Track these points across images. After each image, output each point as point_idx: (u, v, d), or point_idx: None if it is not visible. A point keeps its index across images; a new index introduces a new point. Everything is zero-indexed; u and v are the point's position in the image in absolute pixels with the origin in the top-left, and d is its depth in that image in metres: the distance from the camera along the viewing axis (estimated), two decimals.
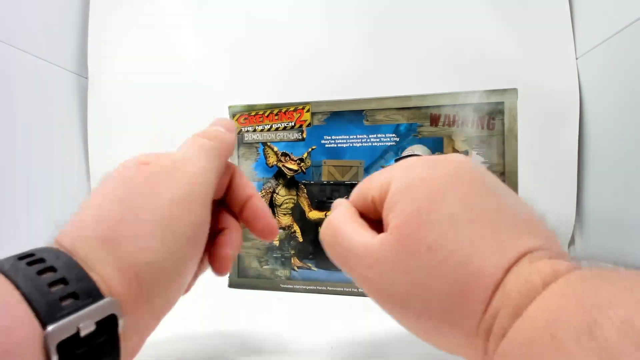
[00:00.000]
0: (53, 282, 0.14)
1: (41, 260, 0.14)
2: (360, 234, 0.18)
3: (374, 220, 0.20)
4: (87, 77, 0.58)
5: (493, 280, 0.15)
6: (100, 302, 0.14)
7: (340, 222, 0.19)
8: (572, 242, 0.48)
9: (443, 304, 0.15)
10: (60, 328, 0.13)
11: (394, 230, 0.17)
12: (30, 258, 0.14)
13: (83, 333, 0.14)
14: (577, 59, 0.47)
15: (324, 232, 0.20)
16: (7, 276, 0.13)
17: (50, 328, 0.13)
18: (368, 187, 0.20)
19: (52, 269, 0.14)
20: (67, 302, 0.14)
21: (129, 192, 0.18)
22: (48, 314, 0.13)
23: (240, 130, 0.41)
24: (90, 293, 0.14)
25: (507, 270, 0.15)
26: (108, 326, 0.14)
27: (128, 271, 0.16)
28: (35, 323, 0.13)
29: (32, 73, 0.49)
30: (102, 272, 0.15)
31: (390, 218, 0.17)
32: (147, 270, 0.16)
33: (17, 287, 0.13)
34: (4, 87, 0.45)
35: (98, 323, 0.14)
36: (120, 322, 0.15)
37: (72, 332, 0.13)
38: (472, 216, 0.16)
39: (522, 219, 0.16)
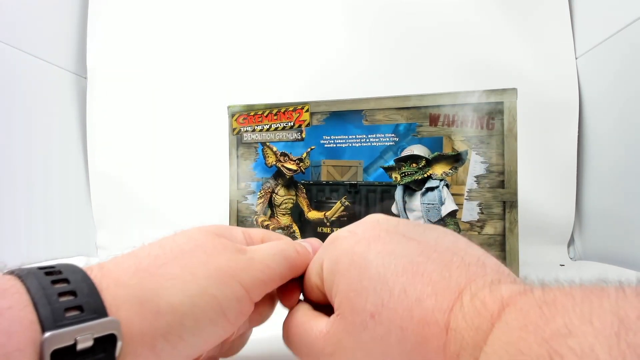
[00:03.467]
0: (63, 292, 0.14)
1: (58, 272, 0.15)
2: (315, 325, 0.18)
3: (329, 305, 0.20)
4: (86, 77, 0.58)
5: (441, 326, 0.14)
6: (103, 320, 0.14)
7: (296, 320, 0.20)
8: (571, 241, 0.48)
9: None
10: (58, 336, 0.13)
11: (338, 310, 0.17)
12: (49, 269, 0.15)
13: (80, 347, 0.14)
14: (576, 58, 0.47)
15: (284, 337, 0.20)
16: (22, 280, 0.14)
17: (47, 334, 0.13)
18: (308, 277, 0.20)
19: (66, 280, 0.14)
20: (71, 314, 0.14)
21: (189, 249, 0.18)
22: (50, 321, 0.13)
23: (239, 130, 0.41)
24: (96, 309, 0.14)
25: (450, 311, 0.14)
26: (106, 346, 0.14)
27: (148, 305, 0.16)
28: (36, 328, 0.13)
29: (31, 73, 0.49)
30: (115, 294, 0.15)
31: (333, 299, 0.17)
32: (168, 310, 0.16)
33: (28, 291, 0.13)
34: (4, 87, 0.45)
35: (96, 340, 0.14)
36: (119, 345, 0.15)
37: (69, 342, 0.13)
38: (399, 268, 0.16)
39: (449, 254, 0.16)
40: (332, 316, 0.17)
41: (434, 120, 0.36)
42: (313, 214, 0.39)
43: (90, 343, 0.14)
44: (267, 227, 0.40)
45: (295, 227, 0.39)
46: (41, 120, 0.51)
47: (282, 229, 0.40)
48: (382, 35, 0.52)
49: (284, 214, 0.40)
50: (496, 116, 0.34)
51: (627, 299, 0.11)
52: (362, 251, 0.17)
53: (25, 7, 0.48)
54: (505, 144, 0.34)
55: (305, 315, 0.19)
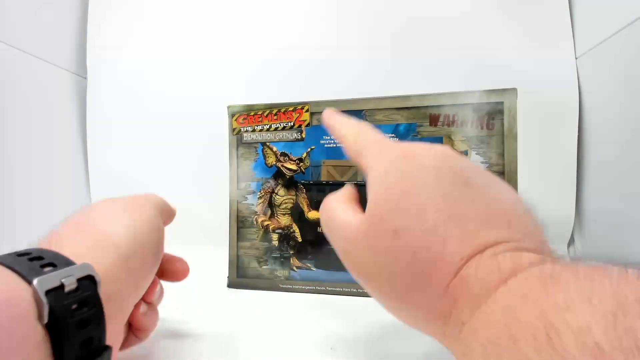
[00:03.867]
0: (31, 259, 0.16)
1: (16, 251, 0.17)
2: (346, 214, 0.20)
3: None
4: (86, 77, 0.58)
5: (451, 268, 0.15)
6: (77, 265, 0.16)
7: (334, 202, 0.21)
8: (571, 241, 0.48)
9: (403, 283, 0.17)
10: (45, 279, 0.15)
11: (368, 214, 0.18)
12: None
13: (67, 288, 0.15)
14: (576, 58, 0.47)
15: (321, 210, 0.22)
16: None
17: (35, 280, 0.14)
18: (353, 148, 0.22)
19: (27, 253, 0.16)
20: (47, 269, 0.16)
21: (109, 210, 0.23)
22: (30, 273, 0.15)
23: (240, 130, 0.41)
24: (67, 262, 0.16)
25: (467, 260, 0.15)
26: (89, 286, 0.16)
27: (108, 243, 0.19)
28: (20, 282, 0.15)
29: (31, 73, 0.49)
30: (77, 248, 0.18)
31: (368, 195, 0.19)
32: (124, 243, 0.20)
33: (1, 263, 0.15)
34: (4, 87, 0.45)
35: (79, 281, 0.16)
36: (99, 285, 0.17)
37: (56, 284, 0.15)
38: (442, 207, 0.16)
39: (496, 211, 0.17)
40: (362, 215, 0.19)
41: (434, 120, 0.36)
42: (313, 214, 0.39)
43: (74, 284, 0.16)
44: (267, 227, 0.40)
45: (295, 227, 0.39)
46: (41, 120, 0.51)
47: (282, 229, 0.40)
48: (382, 36, 0.52)
49: (284, 214, 0.40)
50: (496, 116, 0.34)
51: (628, 280, 0.11)
52: (416, 177, 0.17)
53: (25, 7, 0.48)
54: (505, 144, 0.34)
55: (346, 201, 0.21)
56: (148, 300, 0.24)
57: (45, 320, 0.14)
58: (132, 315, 0.22)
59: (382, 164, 0.19)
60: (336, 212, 0.20)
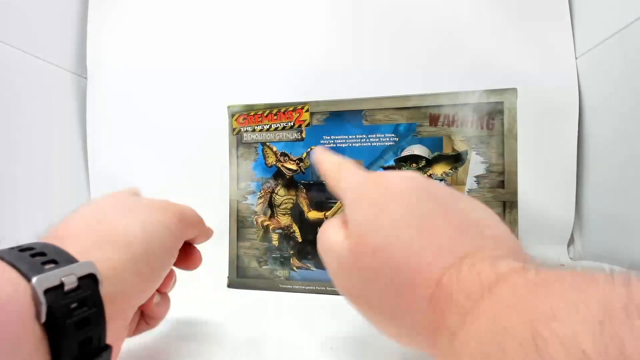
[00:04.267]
0: (33, 254, 0.16)
1: (20, 246, 0.16)
2: (337, 236, 0.20)
3: None
4: (86, 77, 0.58)
5: (430, 279, 0.16)
6: (79, 263, 0.16)
7: (328, 225, 0.22)
8: (571, 241, 0.48)
9: (388, 299, 0.17)
10: (44, 278, 0.15)
11: (349, 235, 0.19)
12: (10, 247, 0.16)
13: (67, 287, 0.15)
14: (576, 58, 0.47)
15: (318, 234, 0.23)
16: None
17: (35, 279, 0.14)
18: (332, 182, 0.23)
19: (31, 248, 0.16)
20: (48, 266, 0.15)
21: (119, 204, 0.22)
22: (30, 271, 0.15)
23: (239, 130, 0.41)
24: (69, 260, 0.16)
25: (445, 271, 0.15)
26: (90, 284, 0.16)
27: (118, 241, 0.19)
28: (20, 279, 0.14)
29: (31, 73, 0.49)
30: (84, 245, 0.18)
31: (347, 218, 0.20)
32: (135, 242, 0.20)
33: (2, 258, 0.15)
34: (4, 87, 0.45)
35: (80, 280, 0.16)
36: (101, 283, 0.17)
37: (55, 282, 0.15)
38: (413, 222, 0.17)
39: (468, 222, 0.17)
40: (345, 233, 0.20)
41: (434, 120, 0.36)
42: (313, 214, 0.39)
43: (75, 283, 0.15)
44: (267, 227, 0.40)
45: (295, 227, 0.39)
46: (41, 120, 0.51)
47: (282, 229, 0.40)
48: (383, 36, 0.52)
49: (284, 214, 0.40)
50: (496, 116, 0.34)
51: (615, 287, 0.11)
52: (387, 198, 0.19)
53: (25, 7, 0.48)
54: (505, 144, 0.34)
55: (337, 224, 0.21)
56: (163, 291, 0.24)
57: (43, 319, 0.14)
58: (145, 304, 0.22)
59: (355, 190, 0.20)
60: (328, 233, 0.21)
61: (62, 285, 0.15)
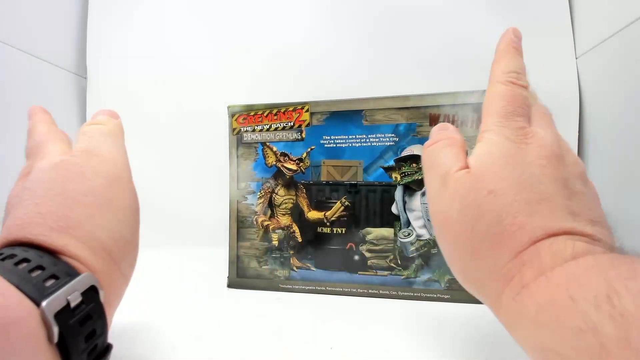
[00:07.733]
0: (31, 269, 0.15)
1: (12, 255, 0.16)
2: (450, 158, 0.21)
3: None
4: (86, 77, 0.58)
5: (530, 238, 0.16)
6: (80, 277, 0.16)
7: (441, 144, 0.23)
8: None
9: (480, 239, 0.18)
10: (53, 302, 0.15)
11: (472, 168, 0.19)
12: (1, 256, 0.16)
13: (73, 304, 0.16)
14: (577, 58, 0.47)
15: (426, 145, 0.23)
16: None
17: (44, 303, 0.15)
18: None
19: (26, 260, 0.16)
20: (49, 283, 0.15)
21: (60, 186, 0.19)
22: (37, 294, 0.15)
23: (239, 130, 0.41)
24: (68, 273, 0.16)
25: (548, 237, 0.16)
26: (92, 295, 0.17)
27: (98, 248, 0.18)
28: (28, 303, 0.14)
29: (31, 73, 0.49)
30: (78, 255, 0.17)
31: (472, 159, 0.20)
32: (113, 244, 0.19)
33: (2, 276, 0.15)
34: (4, 87, 0.45)
35: (83, 294, 0.16)
36: (101, 292, 0.17)
37: (63, 304, 0.15)
38: (537, 184, 0.18)
39: (585, 207, 0.18)
40: (466, 169, 0.20)
41: (434, 120, 0.36)
42: (313, 214, 0.39)
43: (79, 299, 0.16)
44: (267, 227, 0.40)
45: (295, 227, 0.39)
46: None
47: (282, 229, 0.40)
48: (382, 35, 0.52)
49: (284, 214, 0.40)
50: None
51: None
52: (520, 156, 0.19)
53: (25, 7, 0.48)
54: None
55: (450, 144, 0.22)
56: None
57: (55, 340, 0.15)
58: None
59: (501, 134, 0.20)
60: (442, 152, 0.22)
61: (68, 304, 0.15)
